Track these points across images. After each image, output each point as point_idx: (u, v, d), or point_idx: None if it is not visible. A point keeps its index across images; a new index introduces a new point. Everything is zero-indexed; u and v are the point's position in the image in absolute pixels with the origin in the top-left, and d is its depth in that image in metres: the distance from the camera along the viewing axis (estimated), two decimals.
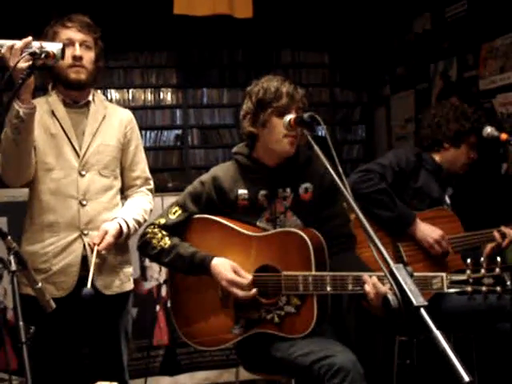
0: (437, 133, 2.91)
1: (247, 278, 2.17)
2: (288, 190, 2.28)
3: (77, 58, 2.34)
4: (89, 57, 2.38)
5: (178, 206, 2.33)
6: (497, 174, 3.96)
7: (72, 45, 2.34)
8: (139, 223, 2.46)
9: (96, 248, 2.27)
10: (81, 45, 2.36)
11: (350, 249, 2.28)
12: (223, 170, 2.35)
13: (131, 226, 2.40)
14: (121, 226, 2.36)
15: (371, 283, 1.97)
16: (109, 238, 2.30)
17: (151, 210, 2.57)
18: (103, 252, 2.30)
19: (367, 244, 1.55)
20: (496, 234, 2.76)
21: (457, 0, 4.45)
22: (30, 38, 2.10)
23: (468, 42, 4.34)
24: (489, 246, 2.77)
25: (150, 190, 2.60)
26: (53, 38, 2.34)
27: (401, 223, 2.74)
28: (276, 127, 2.20)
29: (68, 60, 2.32)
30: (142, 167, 2.57)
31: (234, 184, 2.30)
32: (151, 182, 2.62)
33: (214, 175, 2.33)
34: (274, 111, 2.18)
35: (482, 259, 1.92)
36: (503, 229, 2.75)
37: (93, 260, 2.25)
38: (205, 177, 2.35)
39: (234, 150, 2.39)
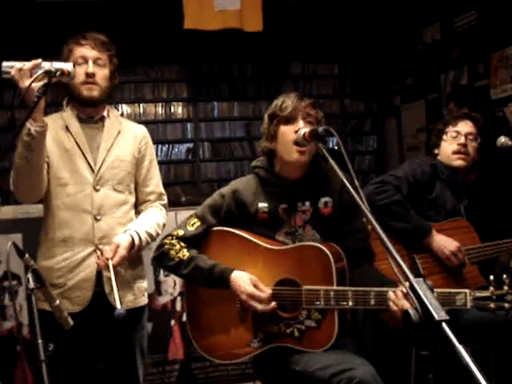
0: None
1: (266, 292, 2.16)
2: (307, 203, 2.27)
3: (89, 75, 2.35)
4: (102, 74, 2.39)
5: (196, 217, 2.32)
6: (511, 184, 3.94)
7: (85, 62, 2.36)
8: (151, 236, 2.45)
9: (111, 263, 2.24)
10: (94, 62, 2.37)
11: (368, 262, 2.28)
12: (243, 184, 2.34)
13: (143, 238, 2.39)
14: (133, 238, 2.35)
15: (396, 300, 1.95)
16: (122, 251, 2.29)
17: (164, 225, 2.56)
18: (117, 267, 2.29)
19: (384, 256, 1.55)
20: None
21: (466, 9, 4.45)
22: (39, 60, 2.11)
23: (478, 51, 4.33)
24: None
25: (164, 206, 2.59)
26: (68, 56, 2.37)
27: (417, 234, 2.73)
28: (284, 135, 2.22)
29: (81, 77, 2.34)
30: (155, 182, 2.57)
31: (255, 197, 2.29)
32: (165, 198, 2.61)
33: (235, 188, 2.32)
34: (281, 120, 2.23)
35: (505, 276, 1.92)
36: None
37: (112, 277, 2.22)
38: (225, 190, 2.35)
39: (254, 163, 2.39)
